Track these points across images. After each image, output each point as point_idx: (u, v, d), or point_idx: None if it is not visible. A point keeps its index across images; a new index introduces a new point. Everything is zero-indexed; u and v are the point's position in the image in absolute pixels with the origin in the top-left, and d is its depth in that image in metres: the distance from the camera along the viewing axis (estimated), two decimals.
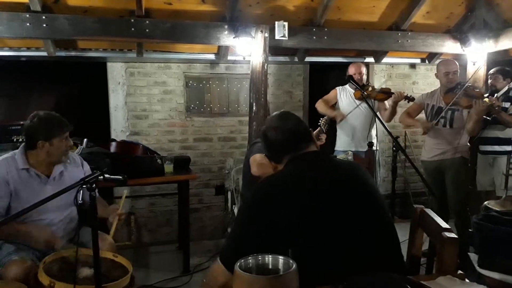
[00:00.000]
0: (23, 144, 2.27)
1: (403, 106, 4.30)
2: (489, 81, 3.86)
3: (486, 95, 3.80)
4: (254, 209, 1.37)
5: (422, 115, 3.70)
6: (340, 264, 1.28)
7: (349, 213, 1.35)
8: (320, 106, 3.91)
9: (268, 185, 1.43)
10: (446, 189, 3.49)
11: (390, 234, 1.44)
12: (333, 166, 1.48)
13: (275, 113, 1.64)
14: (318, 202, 1.34)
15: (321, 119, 3.47)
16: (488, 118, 3.48)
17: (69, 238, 2.34)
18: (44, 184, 2.23)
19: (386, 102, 3.88)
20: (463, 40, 4.35)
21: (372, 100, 3.76)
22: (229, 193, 3.95)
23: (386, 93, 3.77)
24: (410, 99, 3.66)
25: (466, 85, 3.35)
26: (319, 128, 3.38)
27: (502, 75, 3.71)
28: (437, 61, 4.92)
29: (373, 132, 3.87)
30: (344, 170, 1.49)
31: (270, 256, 1.10)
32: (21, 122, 3.57)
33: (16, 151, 2.25)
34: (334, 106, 3.96)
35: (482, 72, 4.37)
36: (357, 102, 3.78)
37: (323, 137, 3.34)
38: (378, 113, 3.86)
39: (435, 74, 3.58)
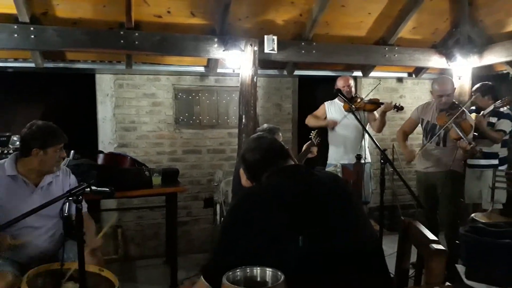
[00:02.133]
0: (15, 152, 2.30)
1: (390, 119, 4.35)
2: (472, 98, 3.92)
3: (473, 108, 3.88)
4: (235, 220, 1.38)
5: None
6: (324, 276, 1.27)
7: (329, 225, 1.36)
8: (310, 120, 3.96)
9: (246, 198, 1.45)
10: (438, 201, 3.49)
11: (373, 243, 1.44)
12: (312, 178, 1.49)
13: (250, 136, 1.72)
14: (298, 213, 1.34)
15: (312, 132, 3.49)
16: (475, 133, 3.52)
17: (55, 251, 2.30)
18: (31, 193, 2.24)
19: (375, 112, 3.94)
20: (448, 55, 4.45)
21: (363, 112, 3.81)
22: (218, 206, 3.92)
23: (375, 103, 3.83)
24: (399, 108, 3.71)
25: (458, 112, 3.24)
26: (310, 141, 3.40)
27: (480, 93, 3.78)
28: (424, 75, 5.04)
29: (364, 144, 3.90)
30: (323, 182, 1.51)
31: (258, 268, 1.09)
32: (7, 134, 3.54)
33: (6, 159, 2.27)
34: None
35: (467, 86, 4.46)
36: (347, 114, 3.83)
37: (314, 150, 3.37)
38: (368, 124, 3.91)
39: (430, 91, 3.56)
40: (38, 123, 2.23)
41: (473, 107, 3.98)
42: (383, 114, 3.75)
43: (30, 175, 2.25)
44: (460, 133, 3.13)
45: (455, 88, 3.45)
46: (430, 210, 3.49)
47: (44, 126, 2.23)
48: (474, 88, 3.88)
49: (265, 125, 3.07)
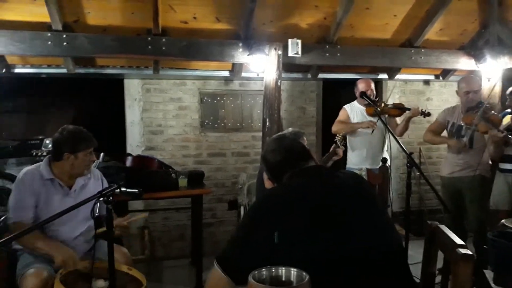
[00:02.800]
0: (48, 156, 2.39)
1: (417, 122, 4.26)
2: (507, 102, 3.79)
3: (508, 111, 3.76)
4: (255, 217, 1.41)
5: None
6: (345, 279, 1.28)
7: (352, 226, 1.35)
8: (339, 126, 3.76)
9: (268, 198, 1.46)
10: (464, 206, 3.45)
11: (396, 247, 1.43)
12: (334, 180, 1.49)
13: (272, 137, 1.73)
14: (320, 215, 1.34)
15: (336, 135, 3.46)
16: (510, 136, 3.43)
17: (86, 250, 2.38)
18: (66, 196, 2.32)
19: (397, 118, 3.86)
20: (477, 57, 4.34)
21: (385, 116, 3.74)
22: (242, 208, 3.96)
23: (400, 108, 3.74)
24: (426, 114, 3.64)
25: (484, 107, 3.23)
26: (334, 144, 3.37)
27: None
28: (451, 77, 4.94)
29: (385, 148, 3.84)
30: (346, 184, 1.50)
31: (283, 268, 1.11)
32: (40, 137, 3.68)
33: (40, 163, 2.35)
34: None
35: (498, 89, 4.34)
36: (370, 118, 3.76)
37: (340, 151, 3.33)
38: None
39: (456, 91, 3.52)
40: (69, 128, 2.31)
41: (508, 110, 3.82)
42: (409, 119, 3.68)
43: (63, 178, 2.33)
44: (489, 125, 3.11)
45: (481, 86, 3.45)
46: (456, 215, 3.43)
47: (74, 131, 2.30)
48: (508, 91, 3.75)
49: (290, 129, 3.07)
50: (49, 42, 3.38)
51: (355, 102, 3.90)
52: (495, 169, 3.71)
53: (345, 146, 3.51)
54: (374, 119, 3.66)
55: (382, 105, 3.73)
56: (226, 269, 1.32)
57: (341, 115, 3.91)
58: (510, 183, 3.60)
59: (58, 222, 2.16)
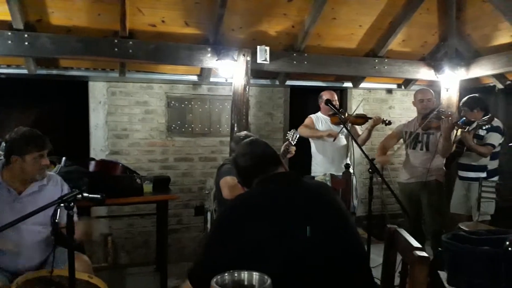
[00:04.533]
0: (1, 159, 2.26)
1: (380, 130, 4.40)
2: (462, 113, 3.94)
3: (459, 120, 3.93)
4: (223, 227, 1.41)
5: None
6: (309, 283, 1.30)
7: (318, 232, 1.38)
8: (303, 129, 3.82)
9: (237, 204, 1.47)
10: (422, 211, 3.60)
11: (359, 254, 1.48)
12: (302, 186, 1.52)
13: (244, 141, 1.73)
14: (287, 220, 1.37)
15: (288, 132, 3.45)
16: (464, 147, 3.61)
17: (43, 258, 2.29)
18: (13, 201, 2.18)
19: (357, 127, 3.98)
20: (437, 68, 4.55)
21: (349, 125, 3.83)
22: (208, 214, 3.93)
23: (363, 117, 3.86)
24: (387, 123, 3.78)
25: (438, 109, 3.54)
26: (287, 141, 3.34)
27: (468, 107, 3.80)
28: (413, 87, 5.13)
29: (349, 156, 3.94)
30: (313, 191, 1.54)
31: (245, 272, 1.12)
32: None
33: None
34: None
35: (455, 98, 4.55)
36: (335, 127, 3.84)
37: (293, 149, 3.29)
38: (349, 138, 3.94)
39: (412, 102, 3.76)
40: (19, 130, 2.17)
41: (464, 118, 3.95)
42: (372, 128, 3.80)
43: (14, 183, 2.20)
44: (440, 120, 3.36)
45: (434, 97, 3.72)
46: (415, 219, 3.60)
47: (24, 133, 2.15)
48: (461, 103, 3.91)
49: (243, 133, 3.08)
50: (9, 42, 3.27)
51: (319, 113, 3.99)
52: (452, 175, 3.89)
53: (297, 142, 3.42)
54: (338, 128, 3.75)
55: (346, 114, 3.84)
56: (196, 283, 1.31)
57: (306, 121, 3.99)
58: (467, 188, 3.79)
59: (12, 228, 2.07)
